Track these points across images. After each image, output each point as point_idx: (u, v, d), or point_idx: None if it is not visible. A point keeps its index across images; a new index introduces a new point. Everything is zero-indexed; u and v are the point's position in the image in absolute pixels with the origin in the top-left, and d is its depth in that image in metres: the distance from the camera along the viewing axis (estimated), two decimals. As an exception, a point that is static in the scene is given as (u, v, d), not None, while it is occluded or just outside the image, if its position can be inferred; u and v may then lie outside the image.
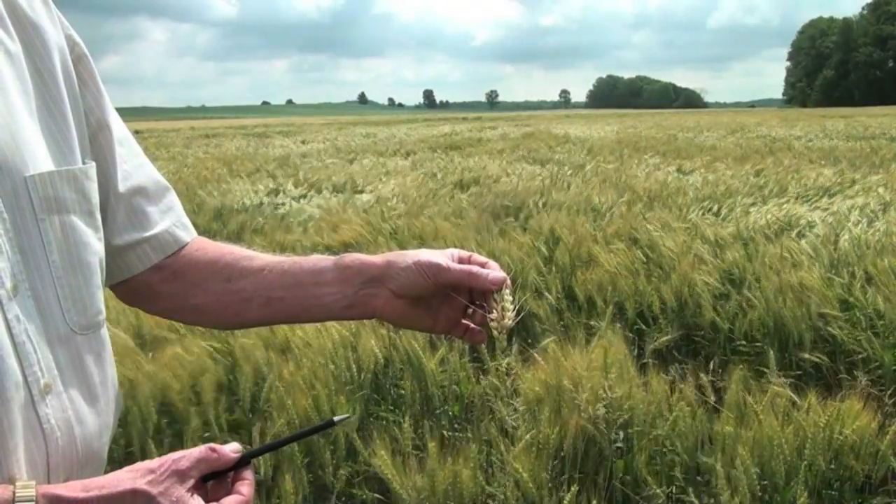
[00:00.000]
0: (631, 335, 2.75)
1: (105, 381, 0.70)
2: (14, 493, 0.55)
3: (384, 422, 2.06)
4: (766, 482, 1.62)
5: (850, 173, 6.48)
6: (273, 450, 0.71)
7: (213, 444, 0.65)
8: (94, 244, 0.69)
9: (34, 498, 0.55)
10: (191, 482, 0.61)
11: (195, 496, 0.61)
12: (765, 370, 2.19)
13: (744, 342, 2.61)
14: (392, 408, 2.14)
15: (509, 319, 0.72)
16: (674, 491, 1.77)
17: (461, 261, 0.76)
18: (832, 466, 1.68)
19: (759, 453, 1.62)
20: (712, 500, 1.65)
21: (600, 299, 2.88)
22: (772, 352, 2.28)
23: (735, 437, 1.66)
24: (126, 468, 0.60)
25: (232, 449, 0.66)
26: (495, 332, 0.72)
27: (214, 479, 0.65)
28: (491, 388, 2.11)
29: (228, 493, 0.65)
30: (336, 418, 0.72)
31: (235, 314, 0.79)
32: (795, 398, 1.83)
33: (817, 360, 2.34)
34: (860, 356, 2.36)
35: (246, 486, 0.65)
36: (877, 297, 2.49)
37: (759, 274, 2.87)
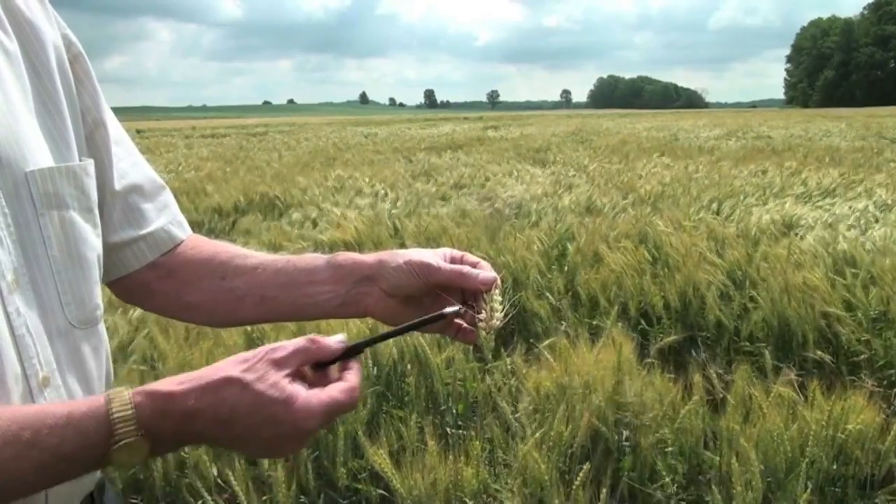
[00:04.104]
0: (635, 335, 2.76)
1: (102, 375, 0.71)
2: (108, 396, 0.56)
3: (391, 417, 2.06)
4: (770, 479, 1.62)
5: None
6: (377, 342, 0.70)
7: (313, 336, 0.64)
8: (93, 240, 0.69)
9: (129, 399, 0.55)
10: (288, 370, 0.60)
11: (294, 382, 0.60)
12: (767, 368, 2.20)
13: (747, 342, 2.62)
14: (398, 405, 2.14)
15: (497, 320, 0.72)
16: (677, 490, 1.77)
17: (453, 260, 0.76)
18: (835, 466, 1.68)
19: (763, 449, 1.62)
20: (716, 497, 1.66)
21: (604, 298, 2.88)
22: (767, 352, 2.28)
23: (740, 434, 1.67)
24: (219, 361, 0.60)
25: (336, 340, 0.65)
26: (483, 333, 0.72)
27: (318, 370, 0.64)
28: (495, 387, 2.12)
29: (332, 382, 0.64)
30: (447, 310, 0.71)
31: (229, 312, 0.80)
32: (797, 395, 1.83)
33: (820, 358, 2.34)
34: (864, 356, 2.36)
35: (352, 374, 0.64)
36: (888, 299, 2.49)
37: (764, 274, 2.87)
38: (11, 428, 0.52)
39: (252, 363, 0.59)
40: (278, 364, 0.60)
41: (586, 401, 1.78)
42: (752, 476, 1.52)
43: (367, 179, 7.11)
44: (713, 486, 1.62)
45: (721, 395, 1.98)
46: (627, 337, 2.00)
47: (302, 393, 0.60)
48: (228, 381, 0.57)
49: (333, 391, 0.61)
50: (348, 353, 0.65)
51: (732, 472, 1.54)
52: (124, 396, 0.56)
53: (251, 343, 2.28)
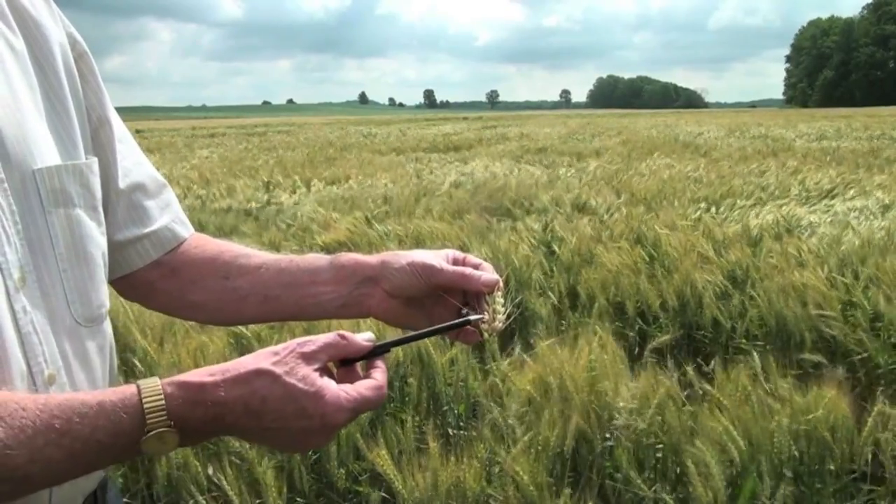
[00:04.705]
0: (632, 335, 2.77)
1: (107, 373, 0.71)
2: (139, 386, 0.56)
3: (391, 419, 2.07)
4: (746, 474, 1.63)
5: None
6: (405, 343, 0.71)
7: (342, 332, 0.65)
8: (98, 238, 0.70)
9: (160, 390, 0.56)
10: (317, 364, 0.61)
11: (324, 377, 0.61)
12: (757, 368, 2.20)
13: (744, 341, 2.63)
14: (400, 406, 2.15)
15: (499, 322, 0.72)
16: (659, 489, 1.77)
17: (455, 262, 0.76)
18: (807, 458, 1.69)
19: (721, 444, 1.63)
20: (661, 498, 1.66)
21: (602, 298, 2.89)
22: (756, 353, 2.29)
23: (709, 430, 1.67)
24: (248, 354, 0.61)
25: (364, 338, 0.66)
26: (485, 335, 0.72)
27: (345, 366, 0.65)
28: (488, 389, 2.12)
29: (359, 379, 0.64)
30: (473, 317, 0.72)
31: (232, 311, 0.80)
32: (768, 388, 1.85)
33: (817, 360, 2.36)
34: (859, 356, 2.37)
35: (379, 373, 0.65)
36: (878, 298, 2.50)
37: (762, 274, 2.88)
38: (42, 416, 0.52)
39: (282, 356, 0.60)
40: (308, 358, 0.60)
41: (565, 402, 1.78)
42: (711, 475, 1.51)
43: (383, 182, 7.14)
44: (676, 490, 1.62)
45: (700, 393, 1.99)
46: (608, 334, 2.01)
47: (331, 387, 0.60)
48: (259, 374, 0.58)
49: (362, 388, 0.62)
50: (375, 352, 0.66)
51: (689, 472, 1.54)
52: (156, 387, 0.56)
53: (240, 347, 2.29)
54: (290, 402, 0.58)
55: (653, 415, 1.77)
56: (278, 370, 0.58)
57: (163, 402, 0.55)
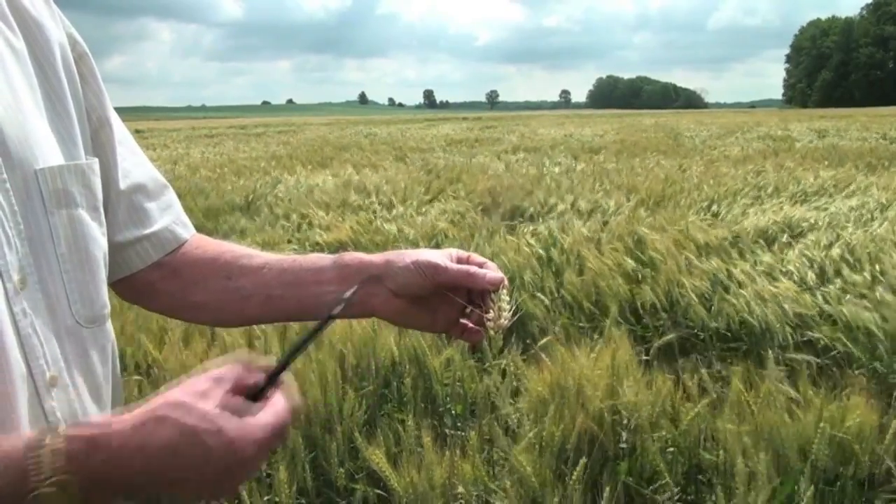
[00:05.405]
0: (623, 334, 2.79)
1: (108, 375, 0.71)
2: (32, 438, 0.52)
3: (389, 419, 2.08)
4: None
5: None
6: (294, 356, 0.63)
7: (242, 362, 0.60)
8: (100, 238, 0.70)
9: (48, 442, 0.51)
10: (215, 400, 0.56)
11: (224, 413, 0.55)
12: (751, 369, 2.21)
13: (731, 343, 2.64)
14: (397, 407, 2.16)
15: (505, 319, 0.72)
16: (676, 492, 1.78)
17: (460, 261, 0.76)
18: (840, 466, 1.69)
19: (768, 449, 1.62)
20: (719, 498, 1.66)
21: (587, 301, 2.90)
22: (764, 352, 2.30)
23: (737, 435, 1.67)
24: (157, 395, 0.56)
25: (259, 366, 0.61)
26: (491, 332, 0.73)
27: (251, 399, 0.59)
28: (493, 387, 2.13)
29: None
30: (335, 311, 0.66)
31: (235, 312, 0.80)
32: (794, 393, 1.85)
33: (805, 359, 2.37)
34: (835, 352, 2.39)
35: (277, 396, 0.59)
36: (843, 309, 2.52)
37: (744, 281, 2.90)
38: None
39: (179, 398, 0.55)
40: (204, 396, 0.55)
41: (580, 403, 1.79)
42: (759, 476, 1.50)
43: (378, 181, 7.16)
44: (699, 493, 1.62)
45: (713, 397, 2.00)
46: (624, 338, 2.01)
47: (231, 423, 0.55)
48: (158, 420, 0.53)
49: (265, 416, 0.57)
50: (271, 381, 0.60)
51: (737, 472, 1.53)
52: (42, 440, 0.51)
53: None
54: (191, 444, 0.53)
55: (688, 421, 1.78)
56: (174, 414, 0.53)
57: (49, 456, 0.50)
